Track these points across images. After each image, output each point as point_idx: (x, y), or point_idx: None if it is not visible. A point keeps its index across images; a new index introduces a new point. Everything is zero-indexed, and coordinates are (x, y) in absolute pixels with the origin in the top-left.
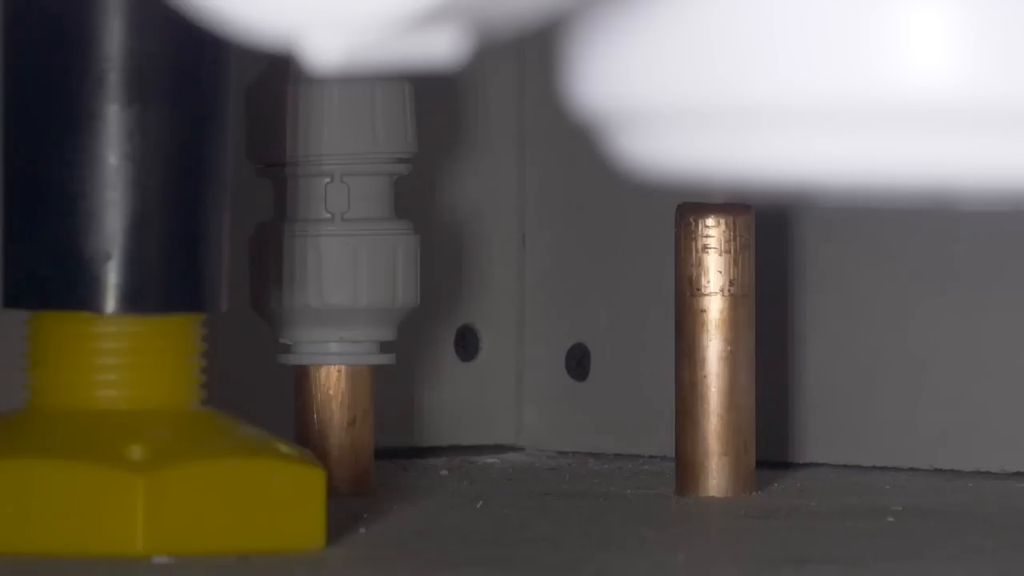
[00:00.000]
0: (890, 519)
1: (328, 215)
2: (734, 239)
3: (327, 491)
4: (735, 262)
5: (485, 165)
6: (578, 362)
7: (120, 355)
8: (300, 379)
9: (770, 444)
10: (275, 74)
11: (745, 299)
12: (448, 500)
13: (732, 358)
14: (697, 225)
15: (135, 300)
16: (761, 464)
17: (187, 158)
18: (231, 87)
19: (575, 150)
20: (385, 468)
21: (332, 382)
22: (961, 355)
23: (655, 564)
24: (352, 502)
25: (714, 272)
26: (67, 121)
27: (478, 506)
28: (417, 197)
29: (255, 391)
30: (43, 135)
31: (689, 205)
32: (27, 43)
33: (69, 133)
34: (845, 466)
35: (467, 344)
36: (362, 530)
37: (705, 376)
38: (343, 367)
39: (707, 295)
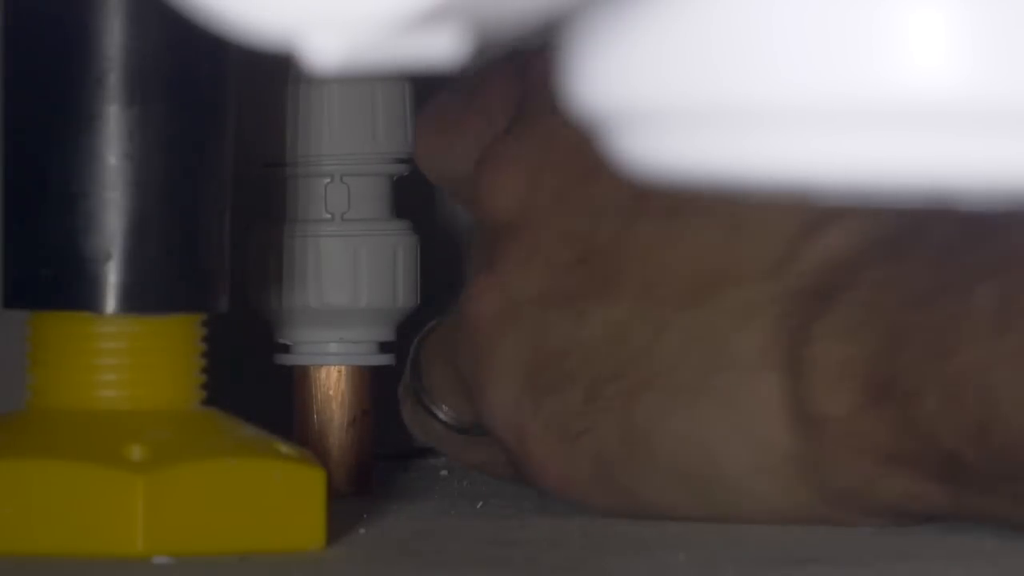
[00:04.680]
0: None
1: (328, 215)
2: None
3: (327, 491)
4: None
5: None
6: None
7: (120, 355)
8: (300, 379)
9: None
10: (275, 74)
11: None
12: (448, 500)
13: None
14: None
15: (135, 300)
16: None
17: (187, 158)
18: (231, 87)
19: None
20: (385, 468)
21: (332, 382)
22: None
23: (655, 564)
24: (352, 502)
25: None
26: (67, 121)
27: (478, 506)
28: (417, 197)
29: (255, 391)
30: (43, 135)
31: None
32: (27, 43)
33: (69, 133)
34: None
35: None
36: (362, 530)
37: None
38: (343, 367)
39: None
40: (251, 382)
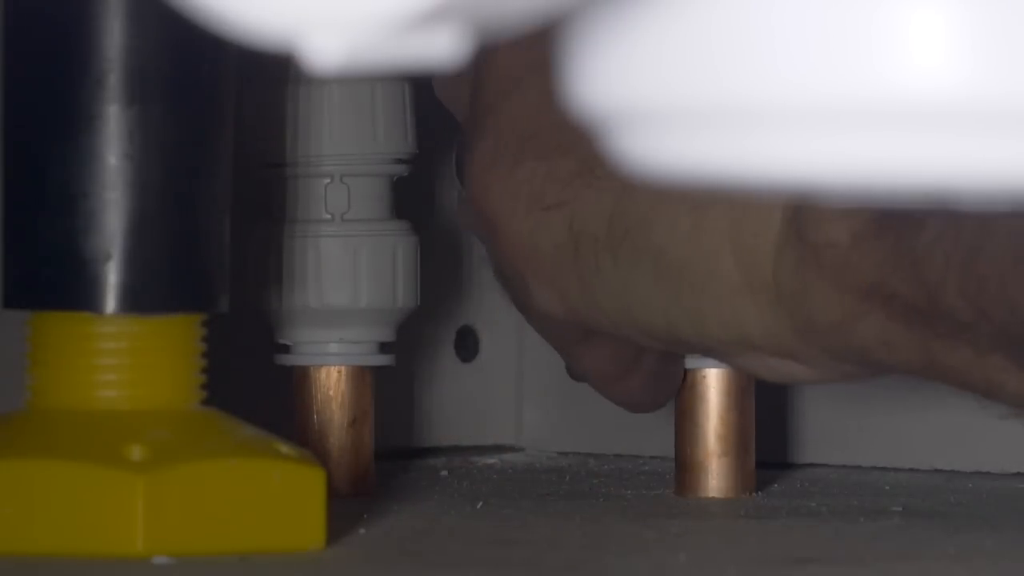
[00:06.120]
0: (890, 519)
1: (328, 216)
2: None
3: (327, 491)
4: None
5: None
6: None
7: (120, 355)
8: (300, 379)
9: (770, 444)
10: (275, 74)
11: None
12: (448, 500)
13: None
14: None
15: (135, 300)
16: (761, 464)
17: (187, 158)
18: (231, 87)
19: None
20: (385, 468)
21: (332, 382)
22: None
23: (655, 564)
24: (352, 502)
25: None
26: (67, 121)
27: (478, 506)
28: (417, 197)
29: (255, 391)
30: (43, 135)
31: None
32: (27, 44)
33: (69, 133)
34: (845, 466)
35: (467, 344)
36: (362, 530)
37: (705, 376)
38: (343, 367)
39: None
40: (251, 382)
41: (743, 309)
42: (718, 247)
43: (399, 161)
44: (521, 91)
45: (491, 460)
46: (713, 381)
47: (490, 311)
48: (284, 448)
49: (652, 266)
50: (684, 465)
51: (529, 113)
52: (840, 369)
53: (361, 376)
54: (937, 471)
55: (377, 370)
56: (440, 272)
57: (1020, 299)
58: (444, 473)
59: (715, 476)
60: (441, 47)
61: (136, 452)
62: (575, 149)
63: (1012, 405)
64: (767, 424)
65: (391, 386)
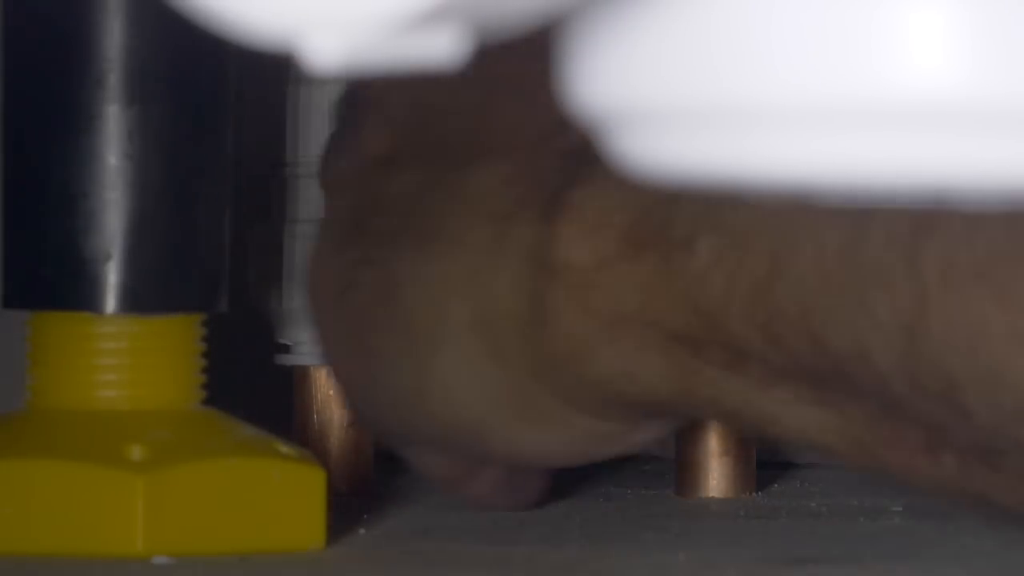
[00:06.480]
0: (890, 519)
1: None
2: None
3: (327, 491)
4: None
5: None
6: None
7: (120, 355)
8: (300, 379)
9: (770, 444)
10: (275, 74)
11: None
12: (448, 500)
13: None
14: None
15: (135, 300)
16: (761, 464)
17: (187, 158)
18: (231, 87)
19: None
20: (385, 468)
21: (332, 382)
22: None
23: (655, 564)
24: (352, 502)
25: None
26: (67, 121)
27: None
28: None
29: (255, 391)
30: (43, 135)
31: None
32: (27, 44)
33: (69, 133)
34: (845, 466)
35: None
36: (362, 530)
37: None
38: None
39: None
40: (251, 382)
41: (475, 353)
42: (457, 294)
43: None
44: (354, 187)
45: None
46: None
47: None
48: (284, 448)
49: (402, 336)
50: (684, 465)
51: (352, 207)
52: (579, 429)
53: None
54: None
55: None
56: None
57: (823, 331)
58: None
59: (715, 476)
60: (441, 47)
61: (136, 452)
62: (367, 232)
63: (785, 439)
64: None
65: None
